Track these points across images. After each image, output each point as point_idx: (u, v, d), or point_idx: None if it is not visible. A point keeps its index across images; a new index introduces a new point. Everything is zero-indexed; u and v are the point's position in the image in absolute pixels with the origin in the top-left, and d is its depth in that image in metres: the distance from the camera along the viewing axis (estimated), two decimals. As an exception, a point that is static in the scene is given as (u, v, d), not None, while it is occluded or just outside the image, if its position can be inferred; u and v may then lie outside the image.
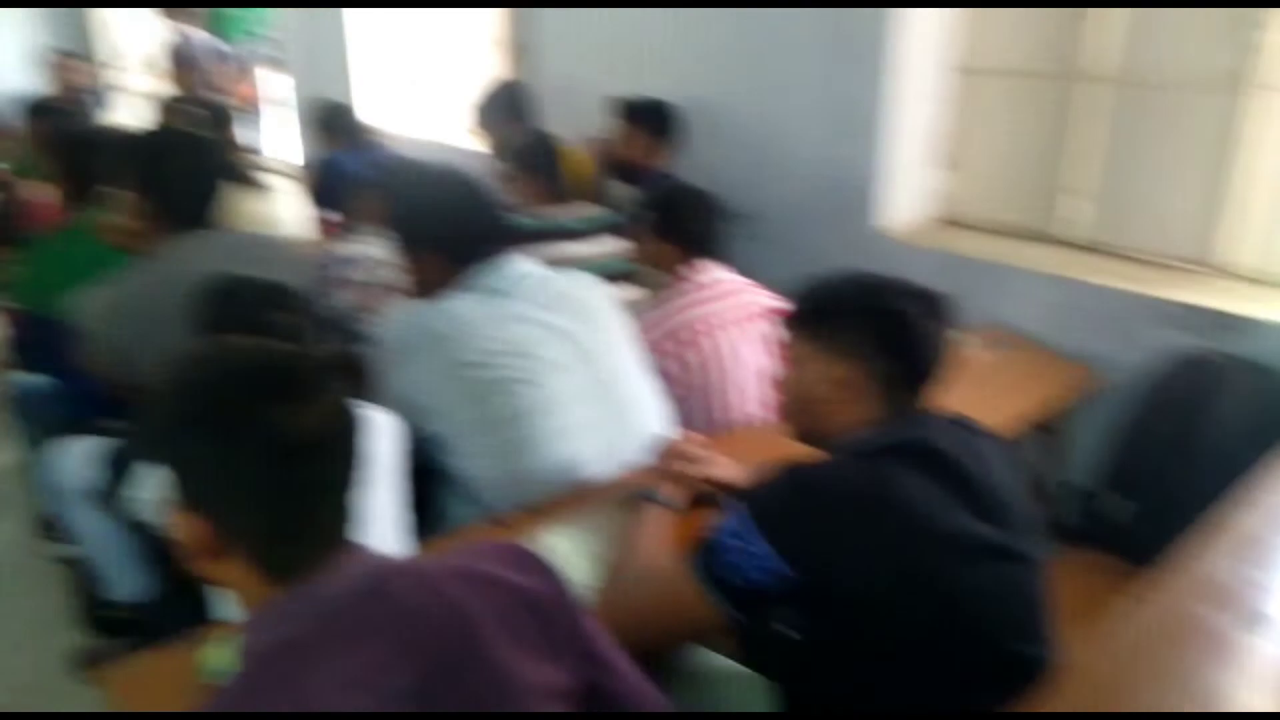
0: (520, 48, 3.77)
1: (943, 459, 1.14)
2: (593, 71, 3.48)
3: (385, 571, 0.86)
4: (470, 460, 1.65)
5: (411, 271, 1.77)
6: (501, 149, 3.05)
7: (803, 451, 1.27)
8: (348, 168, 3.34)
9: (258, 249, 2.02)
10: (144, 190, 1.91)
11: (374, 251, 2.47)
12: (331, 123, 3.69)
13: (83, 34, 5.52)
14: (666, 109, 3.04)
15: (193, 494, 0.84)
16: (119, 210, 1.96)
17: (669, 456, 1.53)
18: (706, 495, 1.52)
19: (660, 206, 2.15)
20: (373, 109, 4.42)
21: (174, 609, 1.88)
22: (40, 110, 4.31)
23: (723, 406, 2.02)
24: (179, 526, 0.85)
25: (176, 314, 1.65)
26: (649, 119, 3.05)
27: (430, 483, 1.70)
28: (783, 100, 2.90)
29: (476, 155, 3.44)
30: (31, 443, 2.53)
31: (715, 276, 2.10)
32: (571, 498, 1.60)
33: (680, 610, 1.16)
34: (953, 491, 1.12)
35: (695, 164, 3.02)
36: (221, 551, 0.83)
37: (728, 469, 1.53)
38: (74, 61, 4.91)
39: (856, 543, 1.08)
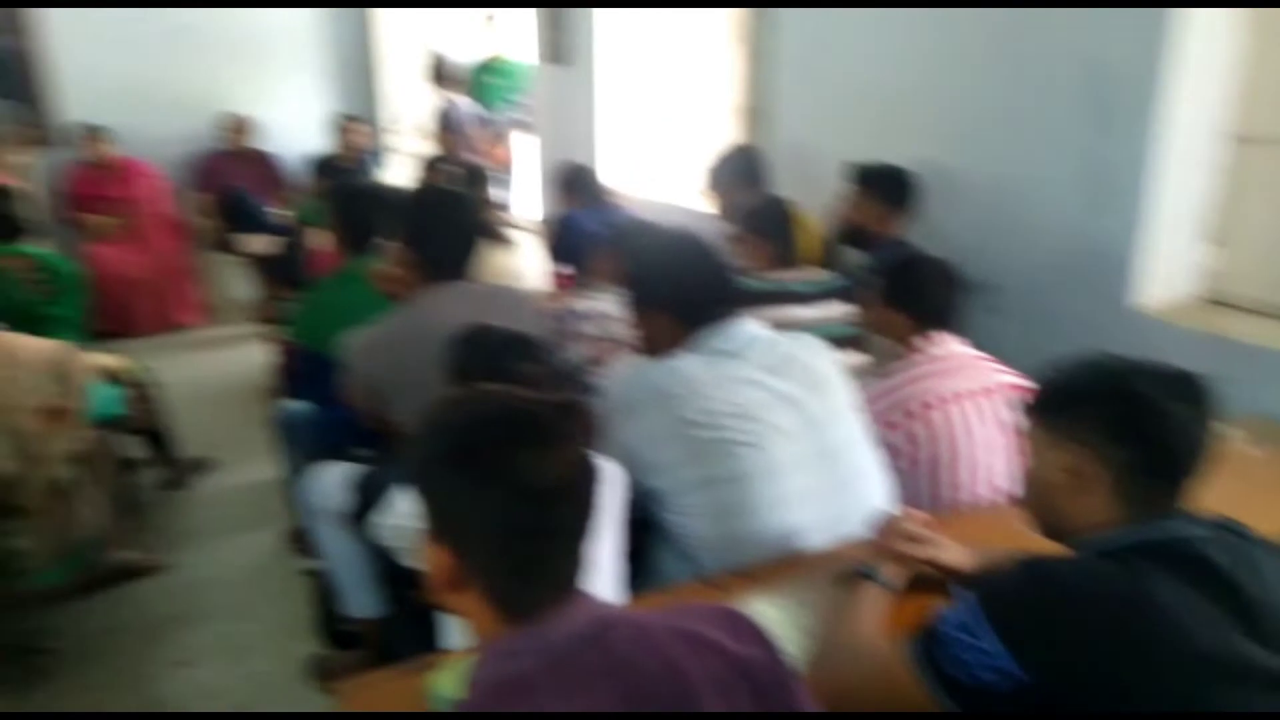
0: (756, 113, 3.84)
1: (1209, 567, 1.02)
2: (827, 136, 3.47)
3: (609, 620, 0.88)
4: (688, 518, 1.66)
5: (642, 329, 1.82)
6: (733, 212, 3.10)
7: (1041, 544, 1.18)
8: (585, 226, 3.50)
9: (504, 301, 2.15)
10: (410, 242, 2.11)
11: (607, 307, 2.55)
12: (572, 183, 3.88)
13: (369, 101, 6.19)
14: (902, 175, 2.98)
15: (441, 527, 0.89)
16: (388, 259, 2.17)
17: (890, 534, 1.47)
18: (927, 579, 1.45)
19: (893, 274, 2.10)
20: (612, 171, 4.64)
21: (403, 630, 2.01)
22: (325, 167, 4.88)
23: (951, 485, 1.92)
24: (426, 555, 0.91)
25: (429, 357, 1.80)
26: (883, 185, 3.00)
27: (646, 536, 1.72)
28: (1030, 166, 2.76)
29: (708, 218, 3.51)
30: (292, 463, 2.81)
31: (949, 349, 2.01)
32: (786, 565, 1.57)
33: (893, 696, 1.10)
34: (1221, 605, 1.00)
35: (932, 231, 2.93)
36: (462, 584, 0.88)
37: (954, 553, 1.45)
38: (356, 124, 5.51)
39: (1103, 652, 0.98)
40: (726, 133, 4.11)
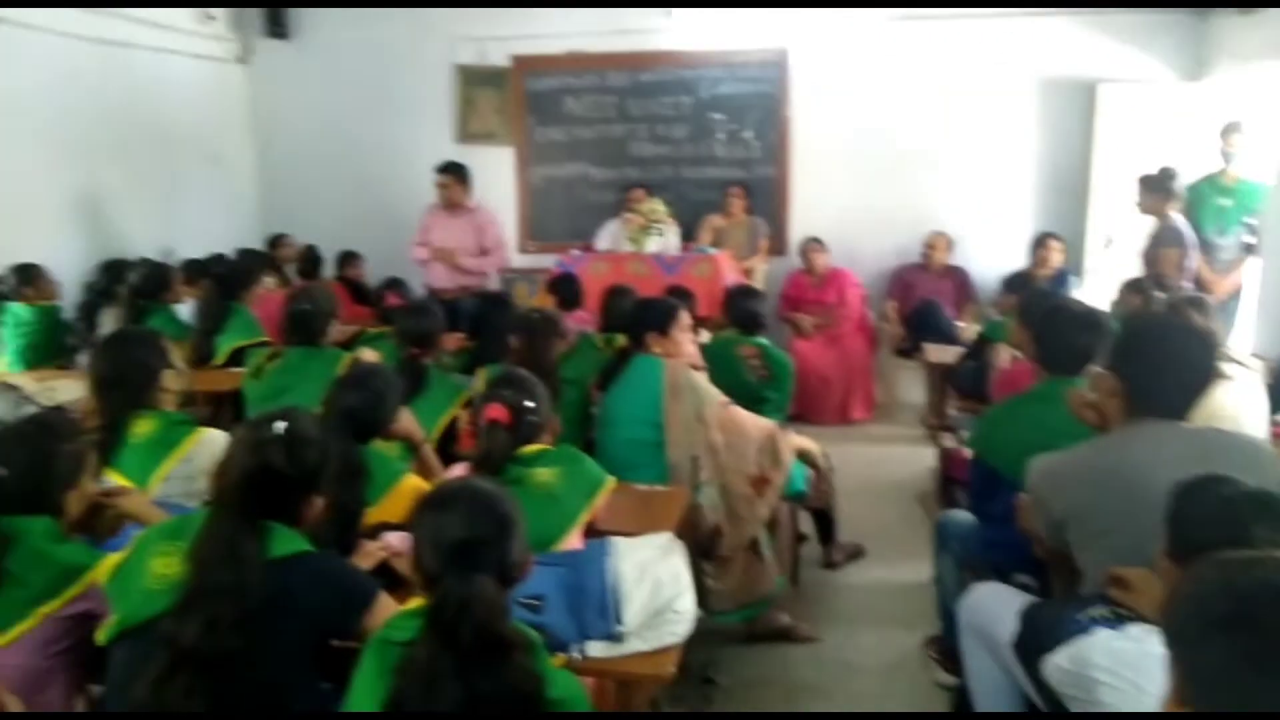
0: None
1: None
2: None
3: None
4: None
5: None
6: None
7: None
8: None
9: (1238, 450, 1.86)
10: (1119, 369, 1.97)
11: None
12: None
13: (1076, 218, 6.05)
14: None
15: (1196, 693, 0.80)
16: (1091, 384, 2.05)
17: None
18: None
19: None
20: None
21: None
22: (1016, 283, 4.87)
23: None
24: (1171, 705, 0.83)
25: (1130, 499, 1.65)
26: None
27: None
28: None
29: None
30: (947, 573, 2.82)
31: None
32: None
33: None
34: None
35: None
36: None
37: None
38: (1054, 241, 5.44)
39: None
40: None
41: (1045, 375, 2.54)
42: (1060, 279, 5.35)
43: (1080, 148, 6.08)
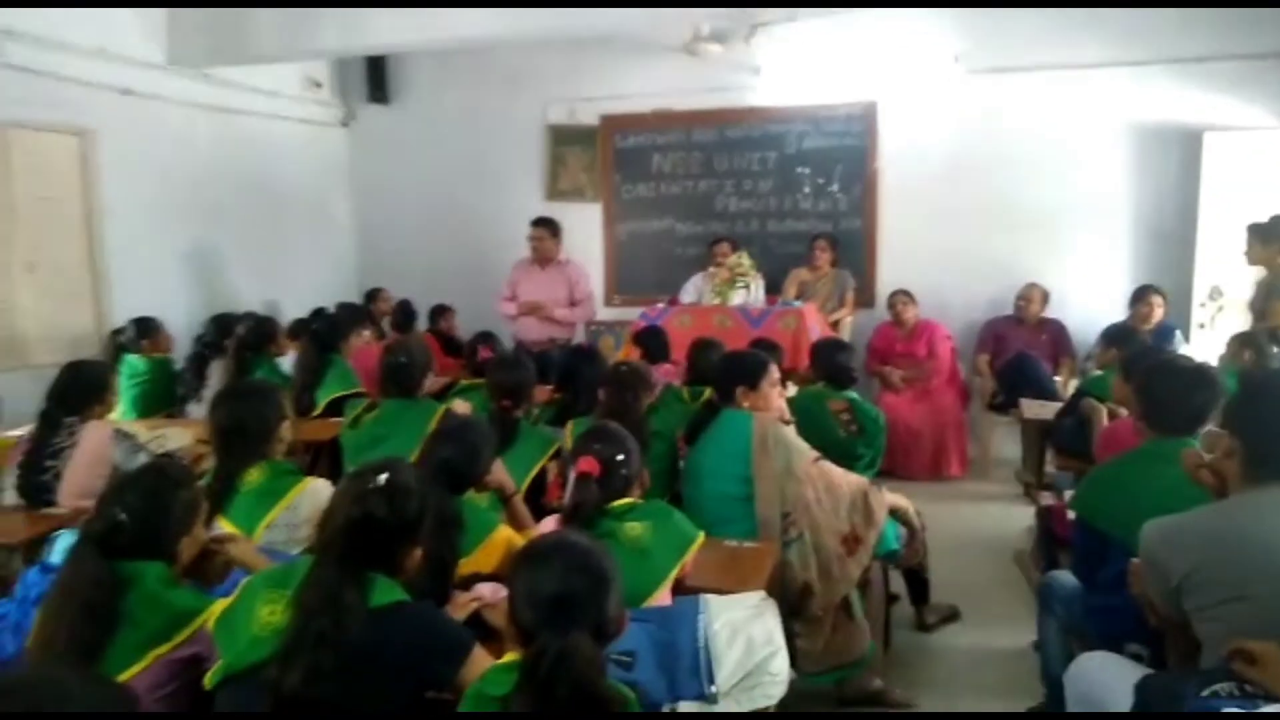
0: None
1: None
2: None
3: None
4: None
5: None
6: None
7: None
8: None
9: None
10: (1237, 430, 1.88)
11: None
12: None
13: (1180, 271, 5.84)
14: None
15: None
16: (1207, 445, 1.96)
17: None
18: None
19: None
20: None
21: None
22: (1116, 338, 4.70)
23: None
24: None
25: (1254, 567, 1.56)
26: None
27: None
28: None
29: None
30: (1052, 639, 2.69)
31: None
32: None
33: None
34: None
35: None
36: None
37: None
38: (1155, 295, 5.25)
39: None
40: None
41: (1152, 434, 2.44)
42: (1163, 333, 5.15)
43: (1184, 197, 5.88)
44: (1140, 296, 5.28)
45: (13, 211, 4.67)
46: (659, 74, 6.64)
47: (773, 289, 6.00)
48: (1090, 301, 5.96)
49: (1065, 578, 2.73)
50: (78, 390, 3.27)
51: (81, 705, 1.08)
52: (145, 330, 4.68)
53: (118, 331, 4.72)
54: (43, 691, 1.07)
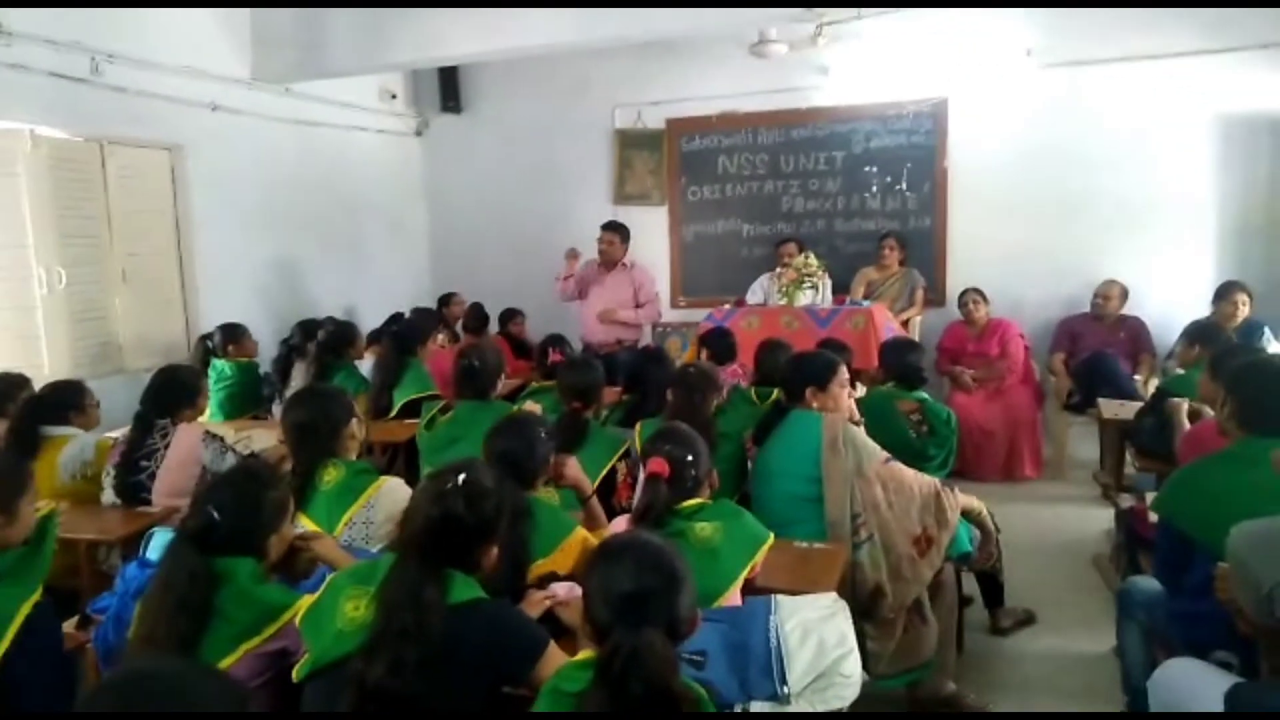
0: None
1: None
2: None
3: None
4: None
5: None
6: None
7: None
8: None
9: None
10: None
11: None
12: None
13: (1269, 266, 5.63)
14: None
15: None
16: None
17: None
18: None
19: None
20: None
21: None
22: (1201, 335, 4.54)
23: None
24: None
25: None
26: None
27: None
28: None
29: None
30: (1134, 646, 2.63)
31: None
32: None
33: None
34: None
35: None
36: None
37: None
38: (1240, 292, 5.05)
39: None
40: None
41: (1241, 434, 2.36)
42: (1250, 330, 4.95)
43: (1273, 188, 5.66)
44: (1224, 294, 5.08)
45: (109, 223, 4.91)
46: (725, 76, 6.64)
47: (840, 289, 5.96)
48: (1172, 298, 5.78)
49: (1147, 582, 2.66)
50: (170, 394, 3.42)
51: (212, 703, 1.14)
52: (231, 336, 4.86)
53: (206, 337, 4.93)
54: (178, 684, 1.14)
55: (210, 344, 4.84)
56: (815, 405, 3.02)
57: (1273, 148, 5.64)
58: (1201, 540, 2.19)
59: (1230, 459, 2.35)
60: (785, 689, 1.76)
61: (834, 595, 2.06)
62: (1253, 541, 1.85)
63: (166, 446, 3.30)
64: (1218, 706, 1.76)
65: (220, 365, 4.72)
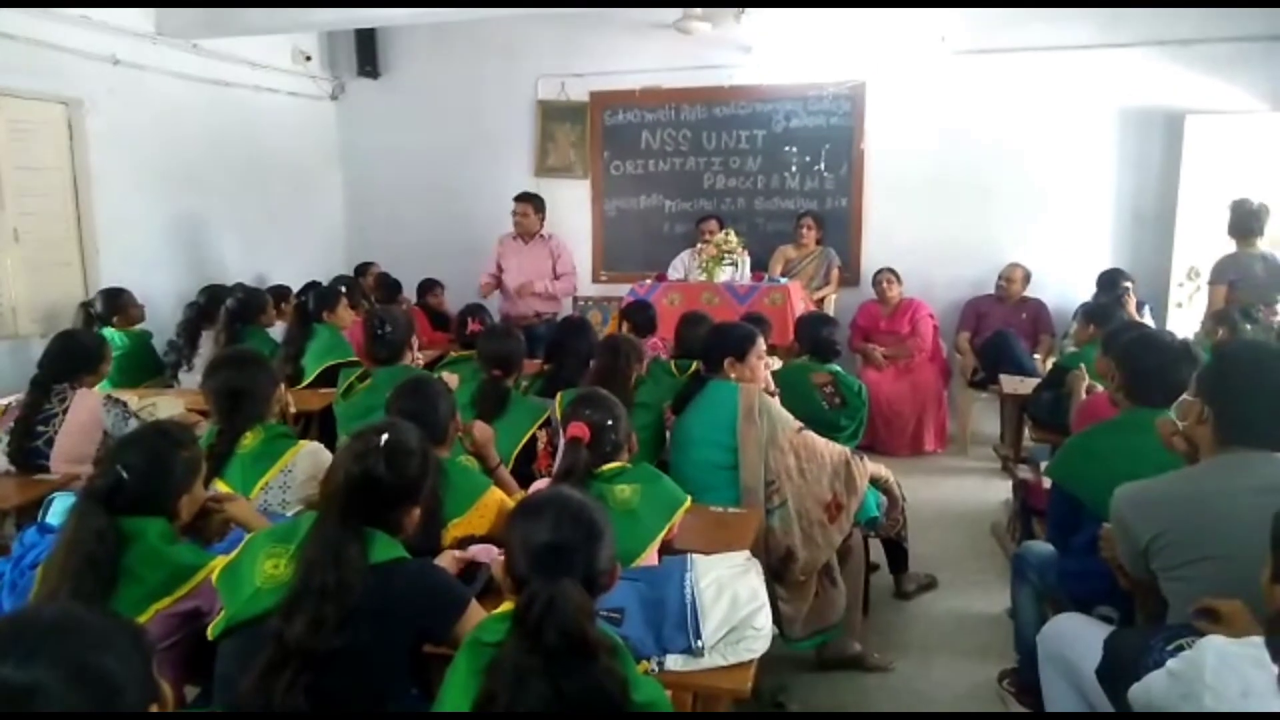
0: None
1: None
2: None
3: None
4: None
5: None
6: None
7: None
8: None
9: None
10: (1209, 399, 1.94)
11: None
12: None
13: (1160, 252, 5.93)
14: None
15: None
16: (1180, 413, 2.03)
17: None
18: None
19: None
20: None
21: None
22: (1093, 315, 4.76)
23: None
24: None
25: (1218, 530, 1.63)
26: None
27: None
28: None
29: None
30: (1025, 604, 2.78)
31: None
32: None
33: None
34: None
35: None
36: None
37: None
38: (1126, 279, 5.29)
39: None
40: None
41: (1129, 405, 2.51)
42: (1139, 311, 5.21)
43: (1165, 179, 5.97)
44: (1110, 285, 5.22)
45: (-1, 179, 4.66)
46: (649, 51, 6.64)
47: (759, 266, 6.05)
48: (1070, 281, 6.05)
49: (1039, 547, 2.81)
50: (70, 359, 3.29)
51: (98, 634, 1.11)
52: (113, 301, 4.61)
53: (87, 304, 4.64)
54: (63, 621, 1.11)
55: (92, 310, 4.58)
56: (733, 376, 3.08)
57: (1165, 140, 5.94)
58: (1090, 502, 2.32)
59: (1119, 427, 2.50)
60: (700, 642, 1.82)
61: (747, 553, 2.13)
62: (1134, 501, 1.97)
63: (65, 412, 3.18)
64: (1098, 653, 1.88)
65: (109, 334, 4.50)
